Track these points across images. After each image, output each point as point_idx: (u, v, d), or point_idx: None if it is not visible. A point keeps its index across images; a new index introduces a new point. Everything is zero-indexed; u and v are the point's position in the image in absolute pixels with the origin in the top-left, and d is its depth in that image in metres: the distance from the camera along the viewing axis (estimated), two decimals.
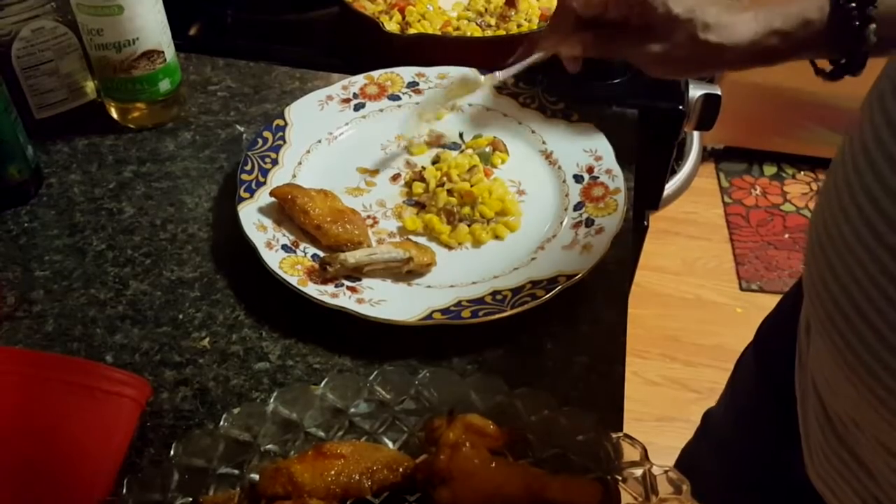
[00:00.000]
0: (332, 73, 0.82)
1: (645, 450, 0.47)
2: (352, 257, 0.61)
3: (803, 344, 0.58)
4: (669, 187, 0.96)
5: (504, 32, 0.83)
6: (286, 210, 0.65)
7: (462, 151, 0.71)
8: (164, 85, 0.74)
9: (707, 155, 2.14)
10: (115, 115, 0.76)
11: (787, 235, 2.01)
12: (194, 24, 0.91)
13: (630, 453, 0.48)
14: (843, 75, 0.60)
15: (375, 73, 0.77)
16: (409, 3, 0.86)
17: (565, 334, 0.60)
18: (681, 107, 0.79)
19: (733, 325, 1.80)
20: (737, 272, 1.93)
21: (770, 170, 2.17)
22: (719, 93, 0.86)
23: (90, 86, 0.76)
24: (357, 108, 0.75)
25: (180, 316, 0.61)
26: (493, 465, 0.47)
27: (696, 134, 0.97)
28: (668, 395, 1.69)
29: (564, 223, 0.66)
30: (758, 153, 2.16)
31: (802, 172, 2.16)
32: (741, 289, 1.90)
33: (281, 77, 0.82)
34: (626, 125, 0.76)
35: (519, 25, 0.83)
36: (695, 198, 2.06)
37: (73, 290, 0.63)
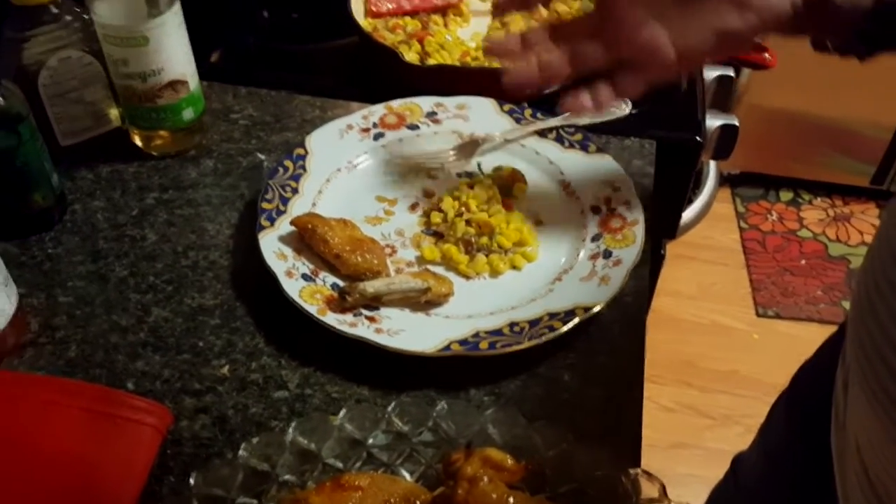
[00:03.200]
0: (352, 101, 0.83)
1: (663, 486, 0.47)
2: (370, 287, 0.61)
3: (840, 402, 0.55)
4: (686, 215, 0.96)
5: None
6: (306, 239, 0.66)
7: (481, 182, 0.72)
8: (188, 114, 0.75)
9: (723, 180, 2.13)
10: (138, 142, 0.77)
11: (803, 261, 2.00)
12: (216, 51, 0.93)
13: (648, 489, 0.48)
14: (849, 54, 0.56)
15: (395, 103, 0.78)
16: (428, 33, 0.87)
17: (582, 365, 0.60)
18: (698, 138, 0.80)
19: (749, 351, 1.79)
20: (753, 298, 1.92)
21: (786, 195, 2.16)
22: (736, 123, 0.87)
23: (114, 113, 0.78)
24: (376, 137, 0.76)
25: (201, 343, 0.62)
26: (511, 499, 0.47)
27: (713, 162, 0.97)
28: (682, 422, 1.68)
29: (582, 254, 0.66)
30: (774, 178, 2.16)
31: (819, 198, 2.15)
32: (757, 315, 1.89)
33: (302, 106, 0.83)
34: (643, 156, 0.77)
35: None
36: (711, 223, 2.05)
37: (95, 316, 0.64)
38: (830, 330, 0.68)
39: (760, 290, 1.94)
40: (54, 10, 0.70)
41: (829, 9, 0.52)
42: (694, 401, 1.72)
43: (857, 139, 1.97)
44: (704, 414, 1.69)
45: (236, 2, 1.02)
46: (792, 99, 1.89)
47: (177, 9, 0.70)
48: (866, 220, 2.10)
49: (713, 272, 1.98)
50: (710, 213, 1.87)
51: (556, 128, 0.76)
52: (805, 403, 0.70)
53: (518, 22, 0.88)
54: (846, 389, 0.54)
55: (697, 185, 0.91)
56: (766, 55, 0.82)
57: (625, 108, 0.78)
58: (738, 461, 0.84)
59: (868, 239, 2.04)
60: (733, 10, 0.53)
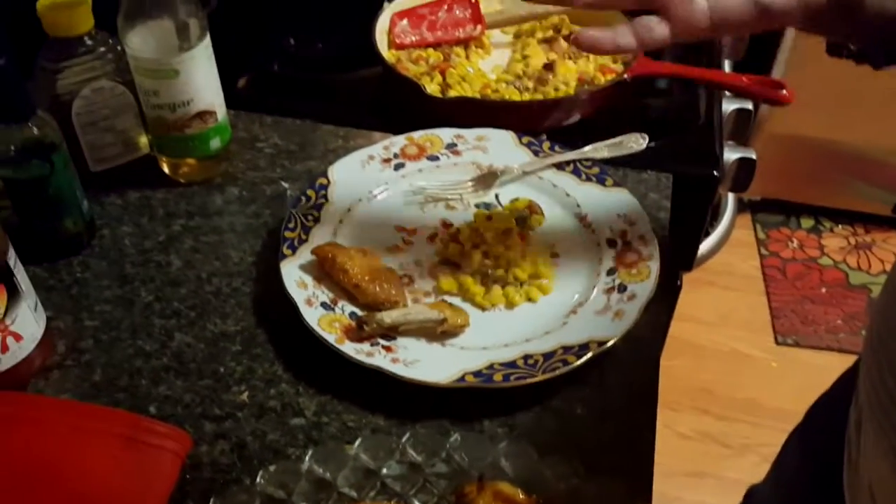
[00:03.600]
0: (375, 131, 0.85)
1: None
2: (388, 317, 0.63)
3: (853, 441, 0.55)
4: (704, 246, 0.97)
5: (542, 96, 0.85)
6: (326, 268, 0.67)
7: (498, 213, 0.73)
8: (215, 143, 0.77)
9: (743, 206, 2.13)
10: (166, 169, 0.80)
11: (823, 289, 1.99)
12: (242, 76, 0.95)
13: None
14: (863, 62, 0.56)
15: (416, 135, 0.80)
16: (450, 65, 0.89)
17: (596, 399, 0.61)
18: (715, 172, 0.80)
19: (768, 379, 1.77)
20: (773, 325, 1.91)
21: (807, 222, 2.15)
22: (754, 157, 0.88)
23: (143, 140, 0.80)
24: (397, 167, 0.78)
25: (221, 369, 0.64)
26: None
27: (731, 195, 0.98)
28: (699, 450, 1.67)
29: (597, 288, 0.67)
30: (795, 206, 2.15)
31: (840, 226, 2.13)
32: (777, 343, 1.87)
33: (325, 135, 0.85)
34: (660, 190, 0.78)
35: (556, 89, 0.85)
36: (731, 249, 2.04)
37: (120, 340, 0.66)
38: (850, 360, 0.68)
39: (780, 317, 1.92)
40: (89, 42, 0.73)
41: (857, 8, 0.52)
42: (711, 429, 1.71)
43: (879, 167, 1.96)
44: (721, 442, 1.68)
45: (263, 29, 1.04)
46: (812, 126, 1.88)
47: (207, 42, 0.72)
48: (888, 248, 2.09)
49: (732, 298, 1.97)
50: (731, 240, 1.86)
51: (574, 161, 0.77)
52: (818, 439, 0.71)
53: (539, 55, 0.90)
54: (859, 428, 0.54)
55: (715, 217, 0.92)
56: (784, 91, 0.83)
57: (642, 143, 0.79)
58: (750, 495, 0.84)
59: (889, 268, 2.03)
60: None
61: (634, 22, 0.54)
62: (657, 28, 0.54)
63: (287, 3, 1.10)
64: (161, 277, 0.71)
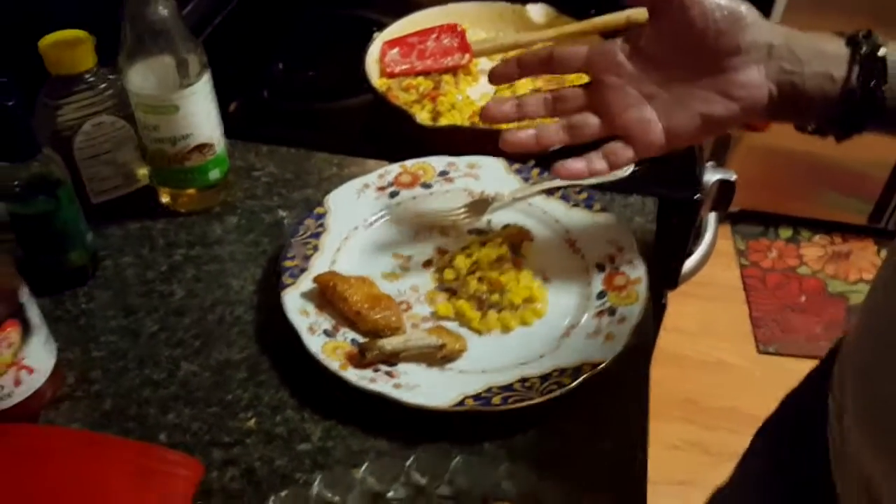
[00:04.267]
0: (368, 159, 0.88)
1: None
2: (388, 344, 0.65)
3: (835, 430, 0.58)
4: (688, 264, 1.00)
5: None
6: (327, 296, 0.69)
7: (492, 240, 0.76)
8: (214, 174, 0.80)
9: (723, 218, 2.17)
10: (165, 199, 0.82)
11: (803, 298, 2.04)
12: (232, 102, 0.97)
13: None
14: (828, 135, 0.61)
15: (409, 163, 0.83)
16: (440, 93, 0.92)
17: (590, 419, 0.64)
18: (697, 196, 0.84)
19: (750, 387, 1.81)
20: (754, 335, 1.95)
21: (786, 233, 2.20)
22: (733, 178, 0.91)
23: (143, 172, 0.82)
24: (392, 195, 0.80)
25: (228, 397, 0.66)
26: None
27: (712, 215, 1.01)
28: (686, 460, 1.70)
29: (588, 312, 0.70)
30: (774, 216, 2.20)
31: (818, 236, 2.19)
32: (758, 351, 1.92)
33: (320, 163, 0.87)
34: (644, 213, 0.81)
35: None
36: (712, 260, 2.07)
37: (128, 370, 0.67)
38: None
39: (761, 326, 1.97)
40: (90, 79, 0.75)
41: (801, 99, 0.57)
42: (697, 438, 1.75)
43: (855, 177, 2.01)
44: (707, 451, 1.72)
45: (253, 56, 1.06)
46: (789, 139, 1.92)
47: (206, 78, 0.75)
48: (865, 257, 2.14)
49: (714, 309, 2.01)
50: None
51: (562, 187, 0.80)
52: (783, 435, 0.74)
53: (525, 84, 0.93)
54: (840, 420, 0.57)
55: (698, 236, 0.96)
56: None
57: (627, 168, 0.82)
58: (714, 497, 0.87)
59: (867, 276, 2.08)
60: (719, 99, 0.59)
61: (603, 148, 0.63)
62: (622, 152, 0.63)
63: (276, 30, 1.13)
64: (165, 307, 0.73)
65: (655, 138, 0.62)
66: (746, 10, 0.58)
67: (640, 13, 0.95)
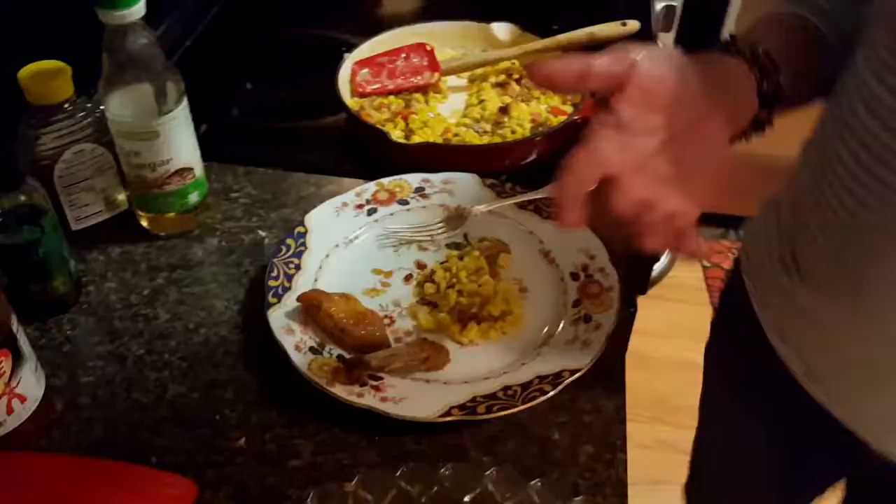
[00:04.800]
0: (344, 177, 0.89)
1: None
2: (374, 360, 0.67)
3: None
4: (657, 268, 1.04)
5: (500, 138, 0.90)
6: (311, 314, 0.71)
7: (469, 253, 0.78)
8: (194, 197, 0.81)
9: None
10: (145, 223, 0.82)
11: None
12: (202, 123, 0.97)
13: None
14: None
15: (385, 181, 0.85)
16: (411, 111, 0.94)
17: (571, 424, 0.66)
18: None
19: None
20: None
21: None
22: None
23: (122, 197, 0.83)
24: (370, 212, 0.82)
25: (217, 417, 0.67)
26: None
27: None
28: (659, 459, 1.74)
29: (565, 320, 0.72)
30: (733, 218, 2.25)
31: None
32: None
33: (297, 183, 0.89)
34: None
35: (513, 131, 0.91)
36: (676, 263, 2.14)
37: (116, 394, 0.68)
38: None
39: None
40: (68, 108, 0.75)
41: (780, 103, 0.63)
42: (668, 437, 1.79)
43: None
44: (679, 449, 1.75)
45: (221, 76, 1.07)
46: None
47: (184, 104, 0.76)
48: None
49: (680, 311, 2.06)
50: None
51: (534, 199, 0.83)
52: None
53: (494, 98, 0.96)
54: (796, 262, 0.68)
55: None
56: None
57: None
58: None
59: None
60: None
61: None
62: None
63: (245, 51, 1.14)
64: (149, 331, 0.74)
65: (692, 218, 0.62)
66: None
67: (601, 29, 0.99)
